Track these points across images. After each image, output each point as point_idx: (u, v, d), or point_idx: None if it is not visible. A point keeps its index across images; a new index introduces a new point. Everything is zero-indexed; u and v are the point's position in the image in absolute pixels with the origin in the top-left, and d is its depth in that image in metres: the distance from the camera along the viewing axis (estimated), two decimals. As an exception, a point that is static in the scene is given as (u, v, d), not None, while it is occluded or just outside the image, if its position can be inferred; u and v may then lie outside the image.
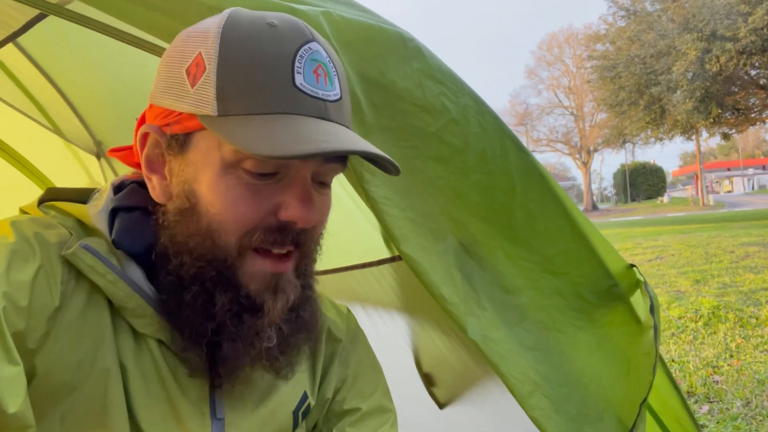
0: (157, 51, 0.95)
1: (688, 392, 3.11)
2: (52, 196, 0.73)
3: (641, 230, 14.82)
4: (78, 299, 0.64)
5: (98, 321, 0.65)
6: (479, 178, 0.91)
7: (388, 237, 0.88)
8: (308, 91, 0.60)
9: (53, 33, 1.36)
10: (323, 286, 0.81)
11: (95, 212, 0.69)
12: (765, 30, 13.88)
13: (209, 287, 0.64)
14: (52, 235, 0.65)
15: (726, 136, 19.74)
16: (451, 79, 0.90)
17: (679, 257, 8.24)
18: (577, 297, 0.96)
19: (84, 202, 0.72)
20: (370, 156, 0.61)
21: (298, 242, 0.65)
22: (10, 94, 1.69)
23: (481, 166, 0.91)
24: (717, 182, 64.52)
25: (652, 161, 53.90)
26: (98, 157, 1.86)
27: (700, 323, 4.49)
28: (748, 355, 3.64)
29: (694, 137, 22.03)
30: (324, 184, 0.68)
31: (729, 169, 64.17)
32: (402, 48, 0.87)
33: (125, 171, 0.77)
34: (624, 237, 12.49)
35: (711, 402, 2.98)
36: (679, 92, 15.78)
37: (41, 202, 0.73)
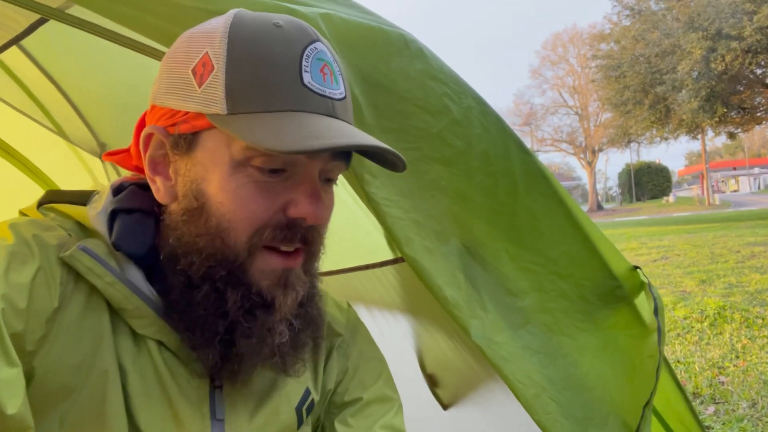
0: (156, 55, 0.96)
1: (693, 393, 3.10)
2: (51, 198, 0.73)
3: (646, 230, 14.77)
4: (77, 301, 0.64)
5: (97, 322, 0.65)
6: (482, 180, 0.90)
7: (391, 239, 0.88)
8: (316, 90, 0.61)
9: (56, 36, 1.36)
10: (327, 288, 0.81)
11: (94, 214, 0.69)
12: (770, 29, 13.84)
13: (220, 286, 0.64)
14: (51, 237, 0.66)
15: (732, 136, 19.64)
16: (454, 80, 0.90)
17: (685, 257, 8.20)
18: (582, 299, 0.95)
19: (83, 204, 0.72)
20: (378, 150, 0.62)
21: (306, 239, 0.66)
22: (13, 97, 1.69)
23: (484, 167, 0.90)
24: (723, 181, 64.29)
25: (657, 161, 53.66)
26: (102, 158, 1.86)
27: (705, 324, 4.47)
28: (754, 356, 3.62)
29: (699, 136, 21.89)
30: (330, 181, 0.69)
31: (735, 169, 63.86)
32: (404, 49, 0.87)
33: (128, 173, 0.77)
34: (629, 237, 12.46)
35: (717, 403, 2.96)
36: (684, 91, 15.72)
37: (41, 204, 0.73)
